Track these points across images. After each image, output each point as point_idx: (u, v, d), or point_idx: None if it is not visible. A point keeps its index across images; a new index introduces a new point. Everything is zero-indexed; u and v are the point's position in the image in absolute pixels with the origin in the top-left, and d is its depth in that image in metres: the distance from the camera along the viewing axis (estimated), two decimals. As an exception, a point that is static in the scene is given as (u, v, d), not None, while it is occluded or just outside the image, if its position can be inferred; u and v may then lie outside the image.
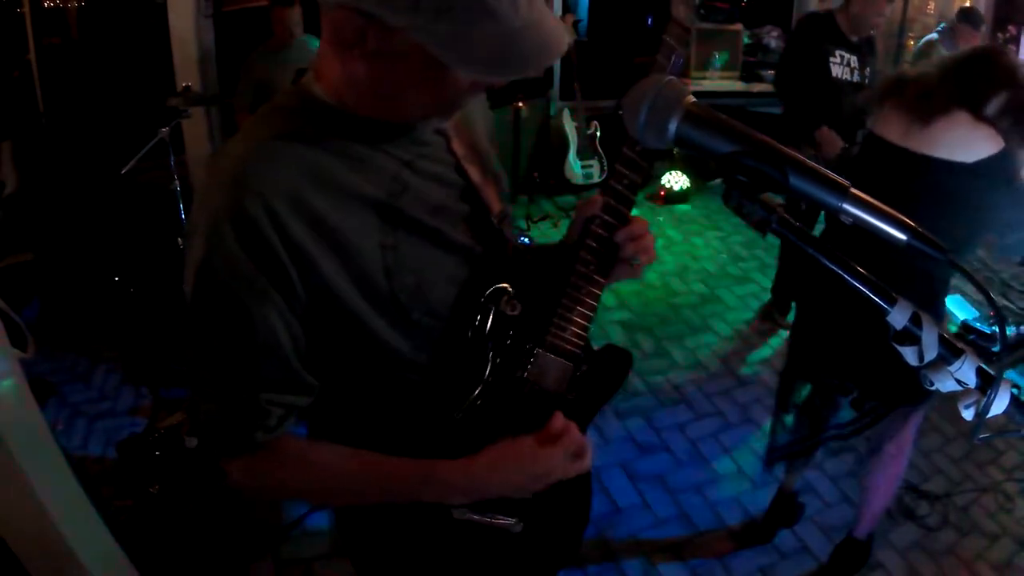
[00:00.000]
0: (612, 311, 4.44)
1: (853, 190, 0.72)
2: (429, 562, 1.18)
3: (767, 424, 3.47)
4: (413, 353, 1.07)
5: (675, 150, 6.30)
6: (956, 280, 5.01)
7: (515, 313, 1.12)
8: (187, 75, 4.57)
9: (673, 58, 1.10)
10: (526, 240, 5.13)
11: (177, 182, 3.67)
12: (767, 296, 4.51)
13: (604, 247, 1.14)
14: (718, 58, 6.01)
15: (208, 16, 4.74)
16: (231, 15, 5.04)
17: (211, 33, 4.79)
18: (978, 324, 4.29)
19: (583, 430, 1.25)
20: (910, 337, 0.73)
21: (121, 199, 4.23)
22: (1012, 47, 6.10)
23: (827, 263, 0.75)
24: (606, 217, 1.13)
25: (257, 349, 0.95)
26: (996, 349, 4.15)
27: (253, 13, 4.47)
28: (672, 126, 0.76)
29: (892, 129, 2.27)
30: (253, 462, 1.02)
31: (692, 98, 0.78)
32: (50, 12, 5.45)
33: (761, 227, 0.76)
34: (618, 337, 4.19)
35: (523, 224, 5.44)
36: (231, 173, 0.92)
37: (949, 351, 0.72)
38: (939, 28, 4.62)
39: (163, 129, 3.58)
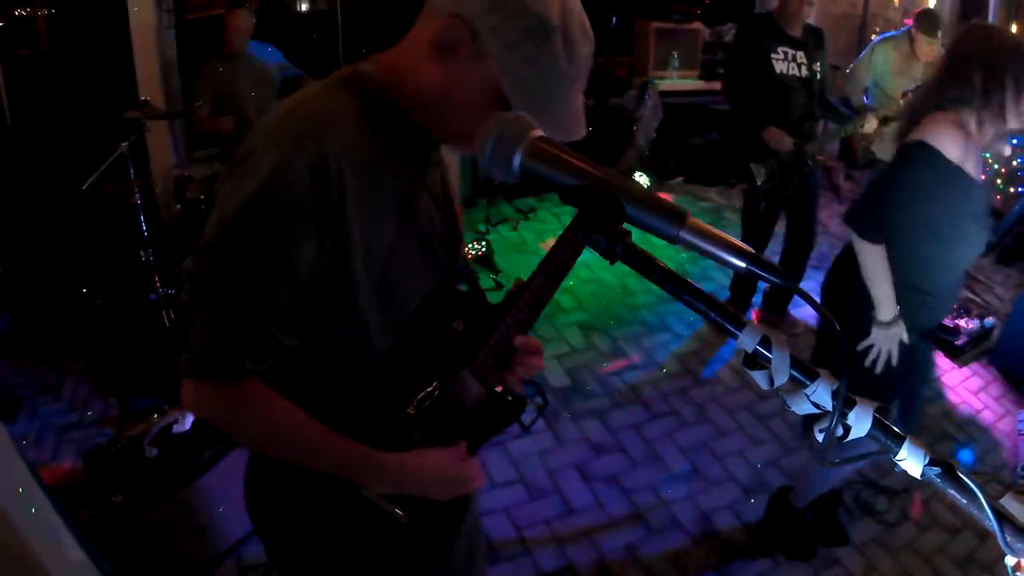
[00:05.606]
0: (570, 313, 4.45)
1: (691, 219, 0.75)
2: (327, 531, 1.24)
3: (723, 423, 3.53)
4: (378, 340, 1.15)
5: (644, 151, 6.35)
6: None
7: (460, 330, 1.22)
8: (149, 87, 4.56)
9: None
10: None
11: (138, 195, 3.68)
12: (726, 294, 4.50)
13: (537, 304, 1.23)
14: (677, 57, 6.04)
15: (170, 28, 4.72)
16: (194, 23, 5.01)
17: (173, 45, 4.78)
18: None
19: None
20: (760, 361, 0.75)
21: (87, 212, 4.24)
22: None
23: (674, 290, 0.78)
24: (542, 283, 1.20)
25: (283, 277, 1.02)
26: (959, 343, 4.20)
27: (217, 21, 4.45)
28: (516, 160, 0.80)
29: None
30: (221, 390, 1.05)
31: (538, 133, 0.82)
32: (19, 22, 5.42)
33: (608, 256, 0.79)
34: (575, 338, 4.20)
35: (482, 227, 5.44)
36: (313, 119, 1.03)
37: (804, 374, 0.74)
38: (895, 32, 4.63)
39: (123, 144, 3.59)
